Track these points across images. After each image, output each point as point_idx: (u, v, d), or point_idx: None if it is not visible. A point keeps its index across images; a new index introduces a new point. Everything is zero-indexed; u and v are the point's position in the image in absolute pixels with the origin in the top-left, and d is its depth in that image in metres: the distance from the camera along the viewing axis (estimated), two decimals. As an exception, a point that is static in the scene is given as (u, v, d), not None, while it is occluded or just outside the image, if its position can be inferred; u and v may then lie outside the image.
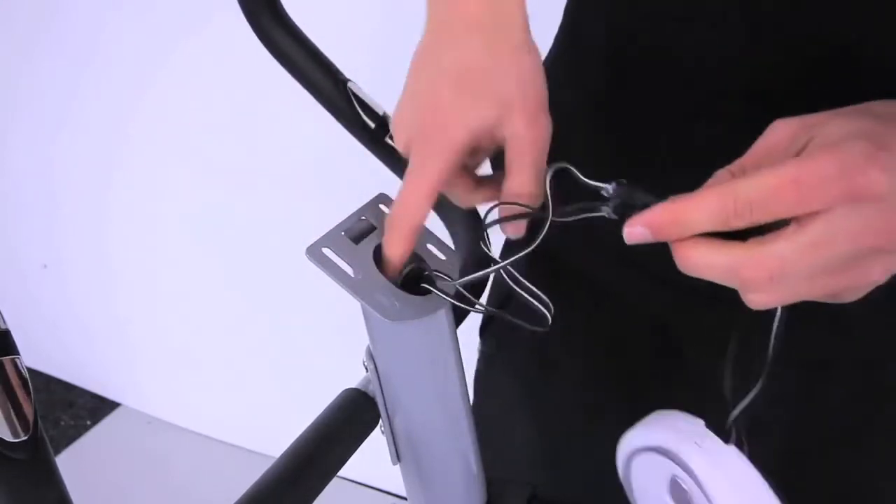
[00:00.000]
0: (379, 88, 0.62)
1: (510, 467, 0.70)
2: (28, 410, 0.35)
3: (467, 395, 0.51)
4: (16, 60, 1.71)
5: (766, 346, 0.39)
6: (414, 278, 0.46)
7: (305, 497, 0.46)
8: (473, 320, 0.76)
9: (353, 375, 0.52)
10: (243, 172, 1.56)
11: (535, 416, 0.75)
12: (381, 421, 0.51)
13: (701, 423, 0.43)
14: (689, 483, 0.42)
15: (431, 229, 0.48)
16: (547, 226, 0.41)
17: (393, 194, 0.49)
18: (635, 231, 0.36)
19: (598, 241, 0.65)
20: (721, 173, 0.37)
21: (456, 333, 0.48)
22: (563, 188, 0.41)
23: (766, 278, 0.33)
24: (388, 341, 0.47)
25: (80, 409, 2.03)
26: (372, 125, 0.59)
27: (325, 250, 0.43)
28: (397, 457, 0.52)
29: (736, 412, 0.41)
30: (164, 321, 1.87)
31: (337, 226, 0.45)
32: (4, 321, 0.36)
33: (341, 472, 0.49)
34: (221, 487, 0.66)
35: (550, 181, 0.41)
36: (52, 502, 0.37)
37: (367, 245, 0.45)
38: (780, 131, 0.36)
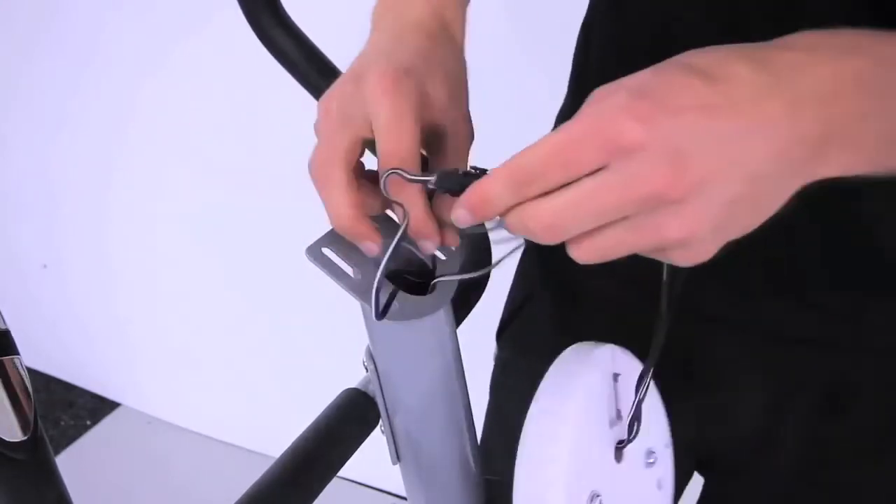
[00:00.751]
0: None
1: (493, 454, 0.70)
2: (28, 410, 0.35)
3: (467, 394, 0.51)
4: (16, 60, 1.71)
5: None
6: (414, 278, 0.46)
7: (305, 497, 0.46)
8: (474, 320, 0.76)
9: (353, 375, 0.52)
10: (243, 172, 1.56)
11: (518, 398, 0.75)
12: (381, 421, 0.51)
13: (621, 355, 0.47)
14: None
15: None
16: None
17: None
18: (460, 215, 0.37)
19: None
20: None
21: (456, 333, 0.49)
22: None
23: (547, 229, 0.34)
24: (388, 341, 0.47)
25: (80, 409, 2.03)
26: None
27: (325, 250, 0.43)
28: (397, 457, 0.52)
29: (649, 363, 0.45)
30: (164, 321, 1.87)
31: (337, 226, 0.45)
32: (4, 321, 0.36)
33: (341, 472, 0.49)
34: (221, 487, 0.66)
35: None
36: (52, 502, 0.37)
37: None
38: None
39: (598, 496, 0.43)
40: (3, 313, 0.36)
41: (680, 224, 0.33)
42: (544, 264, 0.71)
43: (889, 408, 0.59)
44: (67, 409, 2.03)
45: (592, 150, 0.32)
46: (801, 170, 0.34)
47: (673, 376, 0.56)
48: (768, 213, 0.34)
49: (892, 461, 0.61)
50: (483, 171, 0.38)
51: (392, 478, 0.60)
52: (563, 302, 0.71)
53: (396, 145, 0.40)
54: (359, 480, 1.68)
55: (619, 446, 0.46)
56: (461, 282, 0.46)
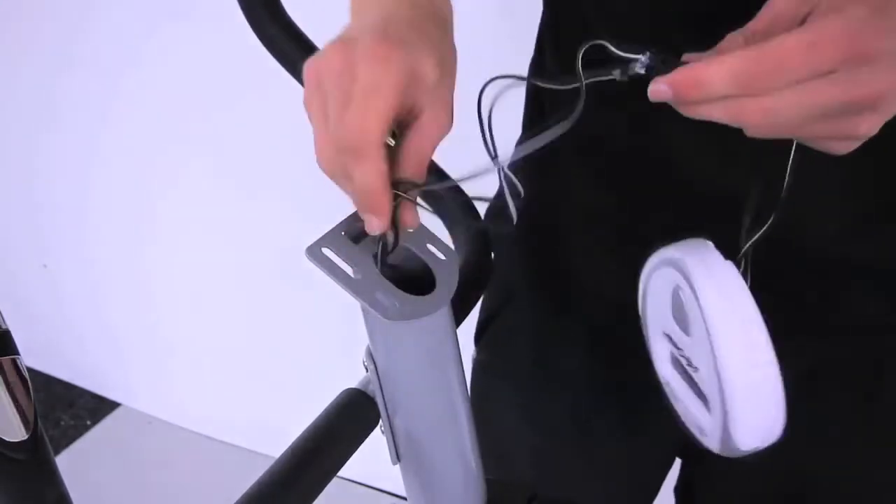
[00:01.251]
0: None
1: (509, 474, 0.70)
2: (28, 410, 0.35)
3: (467, 395, 0.51)
4: (12, 60, 1.71)
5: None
6: (414, 278, 0.46)
7: (305, 497, 0.46)
8: (473, 321, 0.76)
9: (353, 375, 0.52)
10: (243, 172, 1.56)
11: (533, 422, 0.75)
12: (381, 421, 0.51)
13: (709, 243, 0.45)
14: (687, 292, 0.44)
15: (431, 229, 0.48)
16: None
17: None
18: (659, 89, 0.37)
19: (599, 246, 0.65)
20: (733, 36, 0.39)
21: (456, 333, 0.49)
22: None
23: (764, 120, 0.37)
24: (388, 341, 0.47)
25: (80, 409, 2.03)
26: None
27: (325, 250, 0.43)
28: (397, 457, 0.52)
29: (747, 246, 0.45)
30: (164, 321, 1.87)
31: (337, 226, 0.45)
32: (4, 321, 0.36)
33: (341, 472, 0.49)
34: (221, 487, 0.66)
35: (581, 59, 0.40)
36: (52, 502, 0.37)
37: (367, 245, 0.45)
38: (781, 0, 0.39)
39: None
40: (3, 313, 0.36)
41: (867, 125, 0.37)
42: (527, 267, 0.72)
43: (861, 387, 0.60)
44: (67, 409, 2.03)
45: (838, 53, 0.35)
46: None
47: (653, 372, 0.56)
48: None
49: (864, 440, 0.62)
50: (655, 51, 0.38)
51: (392, 478, 0.60)
52: (545, 306, 0.71)
53: (362, 120, 0.40)
54: (359, 480, 1.68)
55: None
56: (461, 282, 0.46)
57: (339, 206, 0.47)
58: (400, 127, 0.43)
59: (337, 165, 0.42)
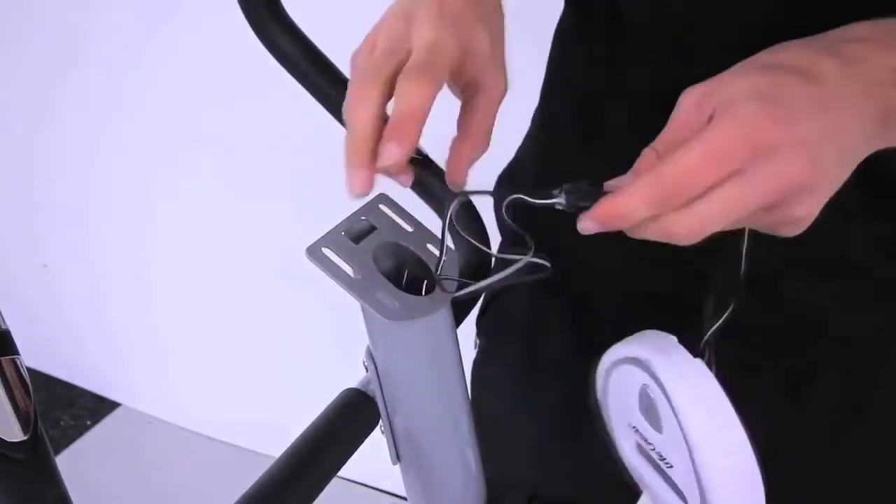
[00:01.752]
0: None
1: (505, 463, 0.70)
2: (28, 410, 0.35)
3: (467, 395, 0.51)
4: (12, 60, 1.71)
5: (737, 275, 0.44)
6: (414, 278, 0.46)
7: (305, 497, 0.46)
8: (474, 319, 0.76)
9: (353, 375, 0.52)
10: (243, 173, 1.56)
11: (528, 412, 0.75)
12: (381, 421, 0.51)
13: (673, 338, 0.46)
14: (656, 392, 0.45)
15: (431, 229, 0.48)
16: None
17: (393, 194, 0.49)
18: (587, 226, 0.39)
19: (589, 240, 0.66)
20: (646, 152, 0.40)
21: (456, 333, 0.48)
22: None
23: (695, 234, 0.38)
24: (388, 341, 0.47)
25: (80, 409, 2.03)
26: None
27: (325, 250, 0.43)
28: (397, 457, 0.52)
29: (709, 334, 0.45)
30: (164, 321, 1.87)
31: (337, 226, 0.45)
32: (4, 321, 0.36)
33: (341, 472, 0.49)
34: (221, 487, 0.66)
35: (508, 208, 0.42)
36: (52, 502, 0.37)
37: (367, 245, 0.45)
38: (687, 101, 0.40)
39: None
40: (3, 313, 0.36)
41: (804, 208, 0.38)
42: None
43: (846, 391, 0.60)
44: (67, 409, 2.03)
45: (737, 154, 0.36)
46: (873, 142, 0.40)
47: None
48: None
49: (852, 442, 0.62)
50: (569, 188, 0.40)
51: (392, 478, 0.60)
52: (540, 292, 0.71)
53: (417, 96, 0.40)
54: (359, 480, 1.68)
55: None
56: (461, 280, 0.46)
57: (339, 207, 0.47)
58: (465, 96, 0.46)
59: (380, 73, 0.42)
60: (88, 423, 1.99)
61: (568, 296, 0.70)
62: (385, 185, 0.50)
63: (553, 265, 0.69)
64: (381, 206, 0.47)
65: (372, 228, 0.46)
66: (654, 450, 0.48)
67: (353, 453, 0.50)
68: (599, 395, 0.53)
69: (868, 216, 0.54)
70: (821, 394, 0.60)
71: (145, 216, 1.75)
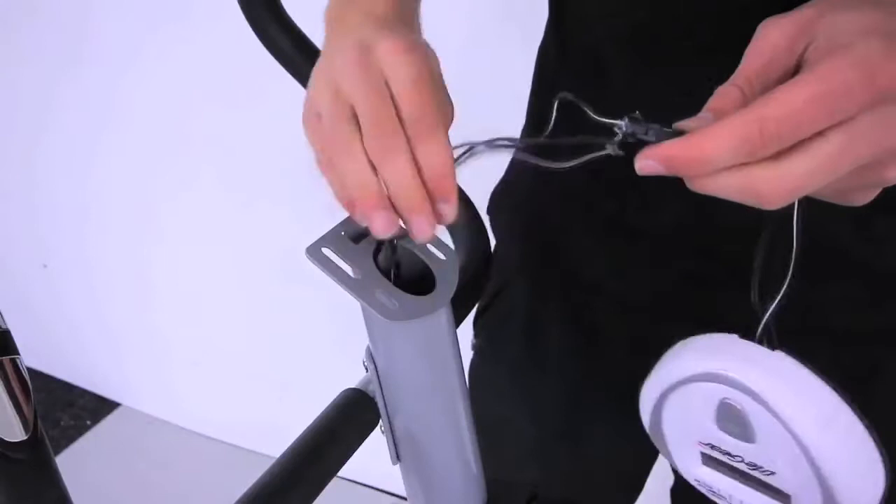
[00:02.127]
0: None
1: (504, 461, 0.70)
2: (28, 410, 0.35)
3: (467, 394, 0.51)
4: (13, 60, 1.71)
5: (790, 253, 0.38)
6: (414, 278, 0.46)
7: (305, 497, 0.46)
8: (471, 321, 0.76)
9: (353, 375, 0.52)
10: (243, 173, 1.56)
11: (528, 410, 0.75)
12: (381, 421, 0.51)
13: (734, 337, 0.41)
14: (745, 400, 0.40)
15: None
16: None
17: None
18: (648, 164, 0.33)
19: (591, 235, 0.66)
20: (726, 89, 0.35)
21: (456, 333, 0.48)
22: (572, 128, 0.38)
23: (786, 196, 0.32)
24: (388, 341, 0.47)
25: (80, 409, 2.03)
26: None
27: (325, 250, 0.43)
28: (397, 457, 0.52)
29: (766, 317, 0.40)
30: (164, 321, 1.87)
31: (337, 226, 0.45)
32: (4, 321, 0.36)
33: (341, 472, 0.49)
34: (221, 487, 0.66)
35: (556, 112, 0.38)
36: (52, 502, 0.37)
37: (367, 245, 0.45)
38: (775, 35, 0.34)
39: None
40: (4, 313, 0.36)
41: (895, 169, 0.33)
42: (522, 253, 0.72)
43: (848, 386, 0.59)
44: (67, 409, 2.03)
45: (858, 98, 0.31)
46: None
47: (633, 369, 0.56)
48: None
49: None
50: (636, 118, 0.34)
51: (392, 478, 0.60)
52: (538, 292, 0.71)
53: (426, 105, 0.38)
54: (359, 480, 1.68)
55: None
56: (461, 282, 0.46)
57: (339, 207, 0.47)
58: None
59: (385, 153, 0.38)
60: (88, 423, 1.99)
61: (565, 296, 0.70)
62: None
63: (550, 267, 0.70)
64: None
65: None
66: (742, 461, 0.43)
67: (353, 453, 0.50)
68: (649, 428, 0.48)
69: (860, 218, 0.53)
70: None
71: (146, 216, 1.75)
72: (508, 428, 0.76)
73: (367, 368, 0.49)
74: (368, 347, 0.49)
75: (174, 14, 1.44)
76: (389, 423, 0.51)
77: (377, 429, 0.52)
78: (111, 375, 2.05)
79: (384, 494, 1.68)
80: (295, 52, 0.57)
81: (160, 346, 1.91)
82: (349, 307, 0.46)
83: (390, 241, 0.44)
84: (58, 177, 1.82)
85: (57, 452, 0.87)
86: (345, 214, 0.46)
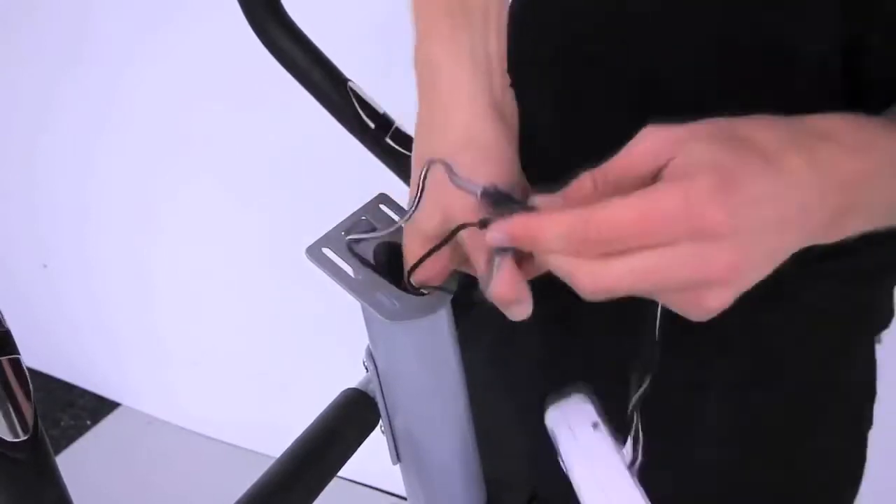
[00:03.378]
0: (379, 88, 0.62)
1: (493, 454, 0.70)
2: (28, 410, 0.35)
3: (467, 394, 0.51)
4: (13, 60, 1.71)
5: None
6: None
7: (305, 497, 0.46)
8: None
9: (353, 375, 0.52)
10: (243, 173, 1.56)
11: (505, 397, 0.75)
12: (381, 421, 0.51)
13: (589, 407, 0.47)
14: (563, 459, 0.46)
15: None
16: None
17: (393, 194, 0.49)
18: (495, 237, 0.37)
19: None
20: (584, 178, 0.38)
21: (456, 333, 0.49)
22: None
23: (599, 292, 0.35)
24: (388, 341, 0.47)
25: (80, 409, 2.03)
26: (372, 125, 0.59)
27: (325, 250, 0.43)
28: (397, 457, 0.52)
29: (634, 401, 0.45)
30: (164, 321, 1.87)
31: (337, 226, 0.45)
32: (4, 321, 0.36)
33: (341, 472, 0.49)
34: (221, 487, 0.66)
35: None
36: (52, 502, 0.37)
37: (367, 245, 0.45)
38: (648, 142, 0.37)
39: None
40: (4, 313, 0.36)
41: (718, 301, 0.35)
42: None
43: (816, 379, 0.59)
44: (67, 409, 2.03)
45: (678, 228, 0.33)
46: (810, 241, 0.37)
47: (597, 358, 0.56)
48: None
49: (825, 432, 0.61)
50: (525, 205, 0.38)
51: (392, 478, 0.60)
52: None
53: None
54: (359, 480, 1.68)
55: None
56: (461, 281, 0.46)
57: (339, 207, 0.47)
58: None
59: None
60: (88, 423, 1.99)
61: (547, 295, 0.69)
62: (385, 185, 0.51)
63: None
64: (381, 206, 0.47)
65: (372, 228, 0.46)
66: None
67: (353, 453, 0.50)
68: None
69: None
70: (787, 378, 0.60)
71: (145, 216, 1.75)
72: (490, 415, 0.76)
73: (367, 368, 0.49)
74: (368, 347, 0.49)
75: (174, 14, 1.44)
76: (389, 423, 0.51)
77: (377, 429, 0.52)
78: (111, 375, 2.05)
79: (384, 494, 1.68)
80: (296, 53, 0.58)
81: (160, 346, 1.91)
82: (349, 307, 0.46)
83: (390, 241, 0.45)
84: (58, 177, 1.82)
85: (57, 452, 0.87)
86: (344, 214, 0.46)
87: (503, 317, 0.74)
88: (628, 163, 0.37)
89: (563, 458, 0.45)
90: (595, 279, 0.35)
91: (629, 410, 0.45)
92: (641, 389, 0.44)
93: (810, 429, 0.61)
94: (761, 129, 0.37)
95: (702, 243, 0.33)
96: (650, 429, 0.67)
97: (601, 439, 0.45)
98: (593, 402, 0.48)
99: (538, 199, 0.38)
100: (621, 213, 0.34)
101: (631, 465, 0.46)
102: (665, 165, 0.35)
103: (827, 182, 0.36)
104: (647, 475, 0.70)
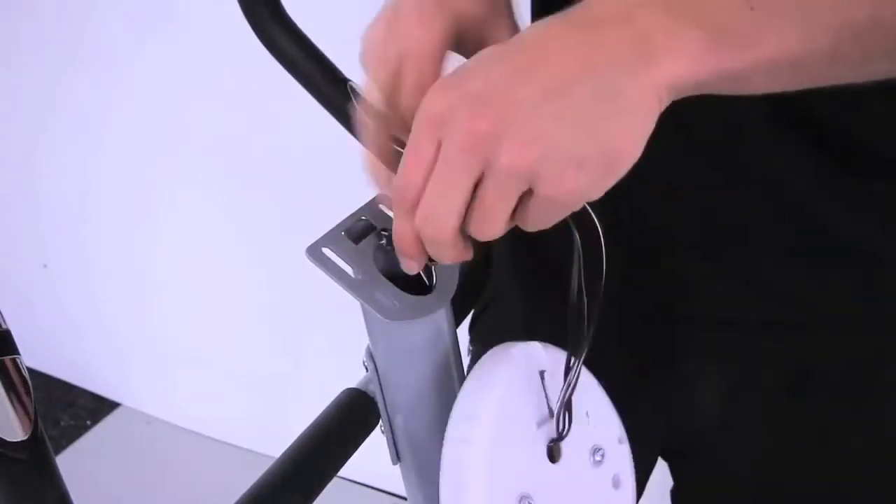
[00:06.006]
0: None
1: None
2: (28, 410, 0.35)
3: (467, 395, 0.51)
4: (13, 59, 1.71)
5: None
6: (414, 278, 0.46)
7: (305, 497, 0.46)
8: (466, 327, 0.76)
9: (353, 375, 0.52)
10: (243, 172, 1.56)
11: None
12: (381, 421, 0.51)
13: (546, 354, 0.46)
14: None
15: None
16: None
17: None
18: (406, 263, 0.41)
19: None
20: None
21: (456, 333, 0.49)
22: None
23: (423, 225, 0.37)
24: (388, 341, 0.47)
25: (80, 409, 2.03)
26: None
27: (325, 250, 0.43)
28: (397, 457, 0.52)
29: (566, 390, 0.43)
30: (164, 321, 1.87)
31: (337, 226, 0.45)
32: (4, 321, 0.36)
33: (341, 472, 0.49)
34: (221, 487, 0.66)
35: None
36: (52, 502, 0.37)
37: (367, 245, 0.45)
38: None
39: (527, 498, 0.42)
40: (3, 313, 0.36)
41: (510, 149, 0.34)
42: (514, 261, 0.72)
43: (850, 386, 0.59)
44: (67, 409, 2.03)
45: (425, 136, 0.35)
46: (626, 71, 0.34)
47: (629, 373, 0.55)
48: (621, 123, 0.34)
49: (858, 441, 0.60)
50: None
51: (392, 478, 0.60)
52: (533, 294, 0.71)
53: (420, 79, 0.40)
54: (359, 480, 1.68)
55: (552, 444, 0.45)
56: (461, 282, 0.46)
57: (339, 207, 0.47)
58: None
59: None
60: (88, 423, 1.99)
61: (561, 297, 0.69)
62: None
63: (542, 275, 0.69)
64: (381, 206, 0.47)
65: (372, 228, 0.46)
66: None
67: (353, 453, 0.50)
68: None
69: (849, 195, 0.52)
70: (821, 388, 0.60)
71: (145, 216, 1.75)
72: None
73: (367, 368, 0.49)
74: (368, 347, 0.49)
75: (174, 14, 1.44)
76: (389, 423, 0.51)
77: (377, 429, 0.52)
78: (111, 375, 2.05)
79: (384, 494, 1.68)
80: (296, 53, 0.57)
81: (160, 346, 1.91)
82: (349, 307, 0.46)
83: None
84: (58, 177, 1.82)
85: (57, 452, 0.87)
86: (344, 214, 0.46)
87: (521, 324, 0.73)
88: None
89: (474, 374, 0.44)
90: (422, 217, 0.37)
91: (563, 397, 0.43)
92: (574, 374, 0.43)
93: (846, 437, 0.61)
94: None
95: (443, 127, 0.34)
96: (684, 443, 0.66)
97: (536, 386, 0.44)
98: (555, 356, 0.46)
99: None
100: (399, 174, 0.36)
101: (552, 442, 0.45)
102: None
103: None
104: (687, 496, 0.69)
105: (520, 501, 0.42)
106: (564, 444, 0.45)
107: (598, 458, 0.47)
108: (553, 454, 0.45)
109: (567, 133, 0.33)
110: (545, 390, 0.45)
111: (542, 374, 0.45)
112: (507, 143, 0.33)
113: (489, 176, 0.35)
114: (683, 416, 0.65)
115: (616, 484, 0.49)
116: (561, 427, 0.44)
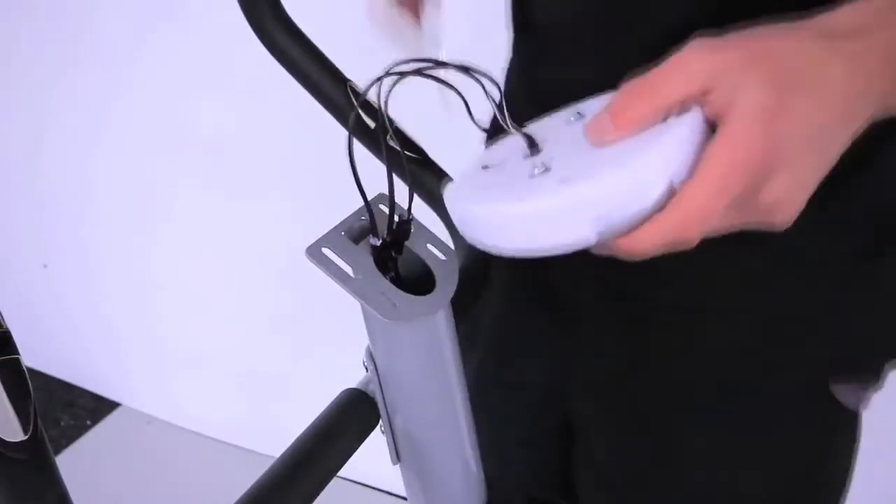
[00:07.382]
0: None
1: (493, 455, 0.71)
2: (28, 410, 0.35)
3: (467, 394, 0.51)
4: (13, 59, 1.71)
5: None
6: (414, 278, 0.46)
7: (305, 497, 0.46)
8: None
9: (353, 375, 0.52)
10: (243, 173, 1.56)
11: (500, 416, 0.75)
12: (381, 421, 0.51)
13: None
14: None
15: (431, 229, 0.48)
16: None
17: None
18: (602, 252, 0.41)
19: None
20: (627, 89, 0.40)
21: (456, 333, 0.49)
22: None
23: (698, 232, 0.38)
24: (388, 341, 0.47)
25: (80, 409, 2.03)
26: (372, 125, 0.59)
27: (325, 250, 0.43)
28: (397, 457, 0.52)
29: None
30: (164, 321, 1.87)
31: (337, 226, 0.45)
32: (4, 321, 0.36)
33: (341, 472, 0.49)
34: (221, 487, 0.66)
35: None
36: (52, 502, 0.37)
37: (367, 245, 0.45)
38: (683, 72, 0.38)
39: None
40: (3, 313, 0.36)
41: (775, 189, 0.37)
42: (496, 264, 0.72)
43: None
44: (67, 409, 2.03)
45: (739, 185, 0.37)
46: (860, 117, 0.38)
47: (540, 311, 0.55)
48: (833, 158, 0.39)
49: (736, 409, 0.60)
50: None
51: (392, 478, 0.60)
52: (510, 300, 0.71)
53: None
54: (359, 480, 1.68)
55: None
56: (461, 282, 0.46)
57: (339, 207, 0.47)
58: None
59: None
60: (88, 423, 1.99)
61: (542, 297, 0.69)
62: (385, 185, 0.50)
63: (526, 265, 0.69)
64: (381, 206, 0.47)
65: (371, 228, 0.46)
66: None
67: (353, 453, 0.50)
68: None
69: None
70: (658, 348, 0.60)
71: (146, 216, 1.75)
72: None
73: (367, 368, 0.49)
74: (368, 347, 0.49)
75: (174, 14, 1.44)
76: (389, 423, 0.51)
77: (377, 429, 0.52)
78: (111, 375, 2.05)
79: (384, 494, 1.68)
80: (296, 53, 0.57)
81: (160, 346, 1.91)
82: (349, 307, 0.46)
83: (390, 240, 0.44)
84: (58, 177, 1.83)
85: (57, 452, 0.87)
86: (344, 214, 0.46)
87: (500, 324, 0.73)
88: (664, 80, 0.38)
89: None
90: (689, 223, 0.38)
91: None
92: None
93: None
94: (791, 40, 0.38)
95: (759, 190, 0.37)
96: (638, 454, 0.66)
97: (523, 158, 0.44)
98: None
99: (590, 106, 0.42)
100: (702, 197, 0.37)
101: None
102: (699, 96, 0.37)
103: (863, 79, 0.37)
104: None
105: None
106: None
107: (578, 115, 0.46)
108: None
109: (817, 179, 0.38)
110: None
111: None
112: (777, 182, 0.37)
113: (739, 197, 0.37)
114: (582, 369, 0.66)
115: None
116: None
